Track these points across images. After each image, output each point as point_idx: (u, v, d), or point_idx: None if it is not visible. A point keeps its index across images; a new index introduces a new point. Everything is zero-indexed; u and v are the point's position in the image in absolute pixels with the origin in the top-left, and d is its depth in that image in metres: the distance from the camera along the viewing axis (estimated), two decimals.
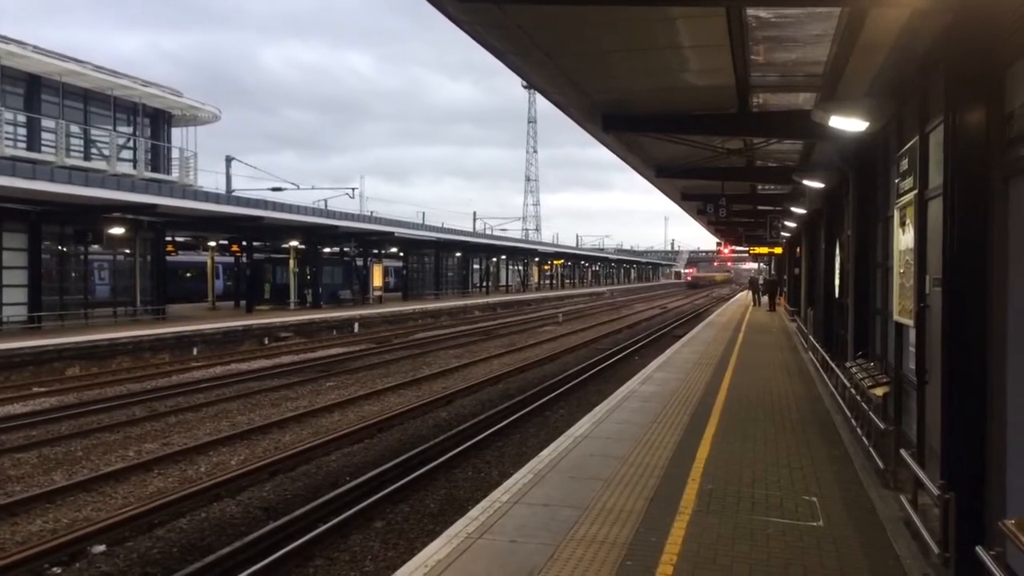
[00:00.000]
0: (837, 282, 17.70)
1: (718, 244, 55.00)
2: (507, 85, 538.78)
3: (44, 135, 30.27)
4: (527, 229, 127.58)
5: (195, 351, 25.54)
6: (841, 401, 11.81)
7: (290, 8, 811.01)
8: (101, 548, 8.27)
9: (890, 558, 6.01)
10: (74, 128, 31.66)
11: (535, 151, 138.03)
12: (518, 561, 5.80)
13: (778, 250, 40.84)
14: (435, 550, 6.04)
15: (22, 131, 29.83)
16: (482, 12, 7.58)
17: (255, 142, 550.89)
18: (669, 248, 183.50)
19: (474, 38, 8.34)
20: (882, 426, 8.39)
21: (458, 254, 61.75)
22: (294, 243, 39.60)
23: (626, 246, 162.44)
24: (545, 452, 9.28)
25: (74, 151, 31.44)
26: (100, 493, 10.36)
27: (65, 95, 31.03)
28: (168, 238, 34.13)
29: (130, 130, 34.63)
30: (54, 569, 7.77)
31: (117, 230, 29.15)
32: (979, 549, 4.49)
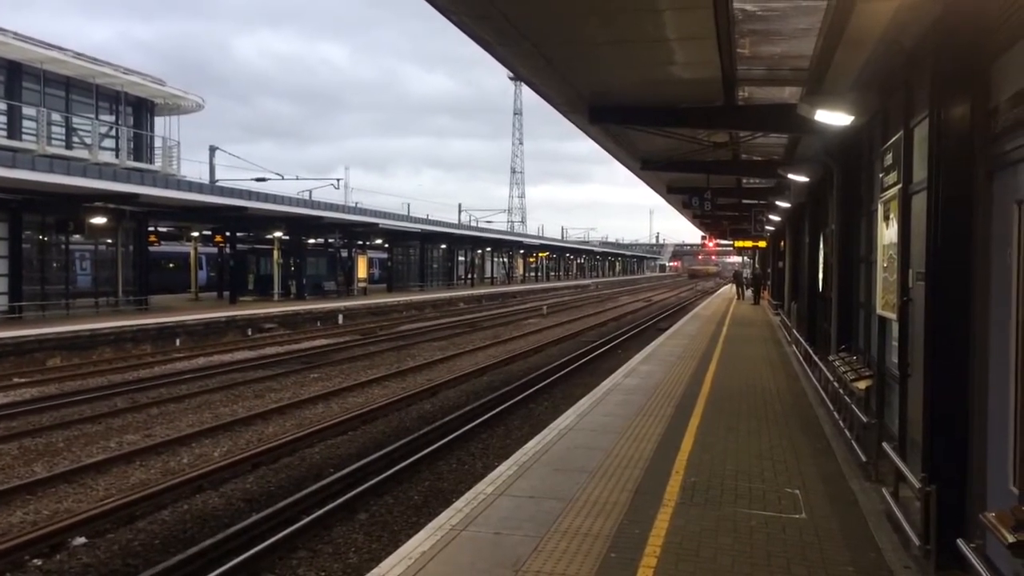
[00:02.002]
0: (821, 276, 17.80)
1: (703, 238, 55.12)
2: (483, 77, 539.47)
3: (25, 123, 29.96)
4: (512, 221, 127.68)
5: (178, 342, 25.38)
6: (824, 394, 11.87)
7: None
8: (82, 540, 8.20)
9: (872, 550, 6.05)
10: (55, 116, 31.34)
11: (520, 143, 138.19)
12: (503, 553, 5.79)
13: (762, 244, 40.97)
14: (419, 542, 6.03)
15: (2, 119, 29.50)
16: (470, 3, 7.54)
17: (233, 132, 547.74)
18: (654, 241, 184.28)
19: (462, 29, 8.30)
20: (864, 419, 8.44)
21: (443, 246, 61.65)
22: (278, 234, 39.38)
23: (611, 239, 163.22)
24: (530, 444, 9.28)
25: (56, 139, 31.13)
26: (81, 485, 10.27)
27: (46, 83, 30.71)
28: (151, 228, 33.88)
29: (112, 118, 34.32)
30: (35, 561, 7.70)
31: (99, 219, 28.86)
32: (960, 541, 4.52)
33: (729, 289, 60.90)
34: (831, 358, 12.18)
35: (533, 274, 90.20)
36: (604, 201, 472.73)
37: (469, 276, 70.00)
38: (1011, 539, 3.75)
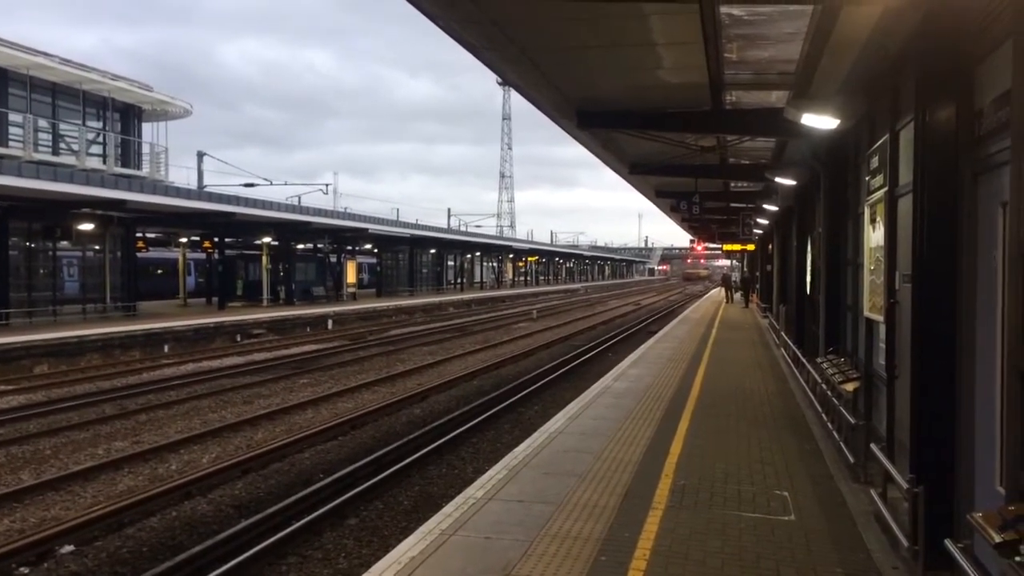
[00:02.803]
0: (808, 278, 17.87)
1: (691, 241, 55.26)
2: (469, 82, 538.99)
3: (11, 129, 29.81)
4: (501, 225, 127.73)
5: (166, 348, 25.25)
6: (812, 396, 11.92)
7: (243, 5, 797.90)
8: (70, 548, 8.14)
9: (860, 551, 6.08)
10: (42, 122, 31.19)
11: (510, 147, 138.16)
12: (493, 557, 5.79)
13: (751, 247, 41.13)
14: (409, 547, 6.02)
15: None
16: (457, 7, 7.55)
17: (219, 138, 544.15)
18: (643, 245, 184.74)
19: (449, 34, 8.30)
20: (852, 421, 8.47)
21: (432, 250, 61.59)
22: (267, 239, 39.26)
23: (600, 243, 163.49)
24: (519, 448, 9.28)
25: (42, 146, 30.97)
26: (69, 492, 10.21)
27: (33, 89, 30.57)
28: (139, 234, 33.70)
29: (100, 125, 34.17)
30: (22, 569, 7.64)
31: (86, 226, 28.73)
32: (948, 542, 4.54)
33: (718, 292, 61.07)
34: (819, 360, 12.22)
35: (522, 278, 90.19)
36: (593, 205, 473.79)
37: (458, 281, 69.95)
38: (998, 539, 3.77)
